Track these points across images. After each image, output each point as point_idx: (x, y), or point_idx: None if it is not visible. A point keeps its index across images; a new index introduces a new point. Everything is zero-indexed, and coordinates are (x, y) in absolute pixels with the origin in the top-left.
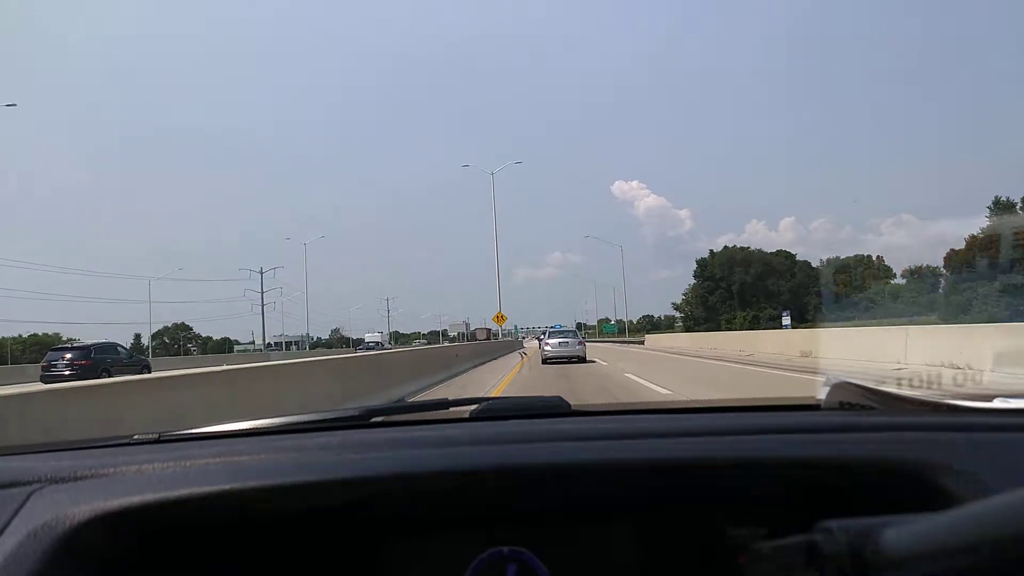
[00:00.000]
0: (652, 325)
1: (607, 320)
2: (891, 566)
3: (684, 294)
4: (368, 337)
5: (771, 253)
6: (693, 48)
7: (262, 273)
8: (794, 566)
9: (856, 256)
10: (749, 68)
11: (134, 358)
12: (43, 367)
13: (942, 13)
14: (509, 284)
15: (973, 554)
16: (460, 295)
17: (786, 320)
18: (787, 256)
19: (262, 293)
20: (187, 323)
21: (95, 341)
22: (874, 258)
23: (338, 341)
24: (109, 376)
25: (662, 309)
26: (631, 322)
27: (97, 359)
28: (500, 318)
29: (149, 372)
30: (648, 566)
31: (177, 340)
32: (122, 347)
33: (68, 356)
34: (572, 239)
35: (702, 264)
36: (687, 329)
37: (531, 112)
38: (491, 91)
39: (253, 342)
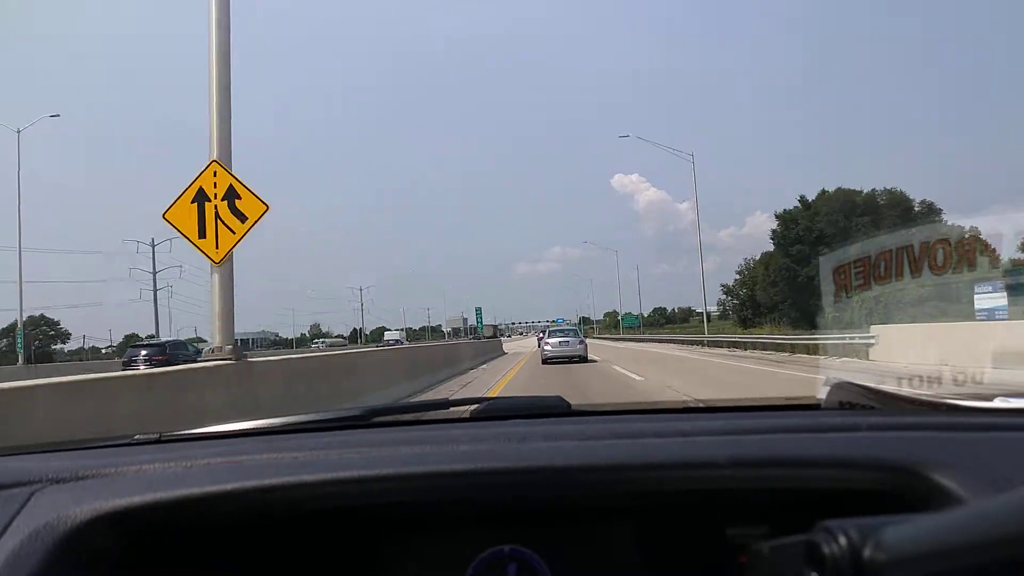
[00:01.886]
0: (666, 319)
1: (627, 313)
2: (891, 566)
3: (740, 271)
4: (388, 335)
5: (916, 201)
6: (693, 45)
7: (154, 247)
8: (794, 566)
9: (954, 226)
10: (748, 61)
11: (201, 355)
12: (124, 362)
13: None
14: (508, 279)
15: (973, 554)
16: (434, 289)
17: (996, 299)
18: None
19: (154, 273)
20: (48, 314)
21: (168, 339)
22: (966, 228)
23: (326, 339)
24: None
25: (667, 303)
26: (644, 315)
27: (172, 354)
28: (216, 245)
29: None
30: (648, 566)
31: (35, 338)
32: (192, 344)
33: (144, 352)
34: (572, 234)
35: (786, 220)
36: (743, 324)
37: (530, 108)
38: (488, 86)
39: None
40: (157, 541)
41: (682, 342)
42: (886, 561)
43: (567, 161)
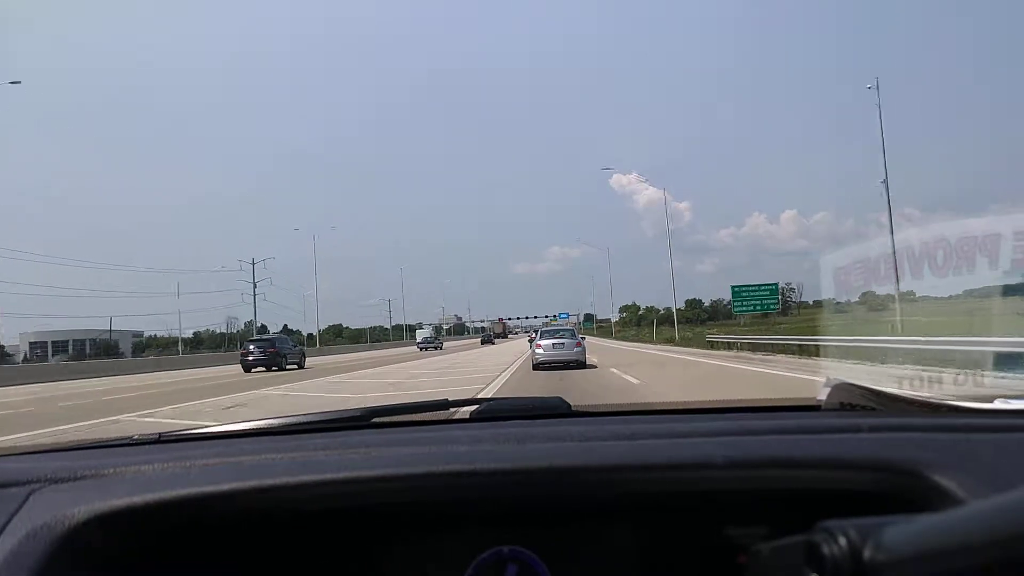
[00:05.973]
0: (709, 316)
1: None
2: (891, 566)
3: None
4: (419, 333)
5: None
6: (693, 42)
7: None
8: (794, 566)
9: None
10: (746, 62)
11: (296, 348)
12: (242, 353)
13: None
14: (507, 278)
15: (973, 554)
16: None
17: None
18: None
19: None
20: None
21: (274, 335)
22: None
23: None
24: (286, 361)
25: (667, 300)
26: (681, 310)
27: (279, 347)
28: None
29: (304, 359)
30: (648, 567)
31: None
32: (290, 340)
33: (257, 346)
34: (570, 234)
35: None
36: None
37: (528, 103)
38: (486, 83)
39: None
40: (155, 541)
41: None
42: (886, 561)
43: (568, 160)
